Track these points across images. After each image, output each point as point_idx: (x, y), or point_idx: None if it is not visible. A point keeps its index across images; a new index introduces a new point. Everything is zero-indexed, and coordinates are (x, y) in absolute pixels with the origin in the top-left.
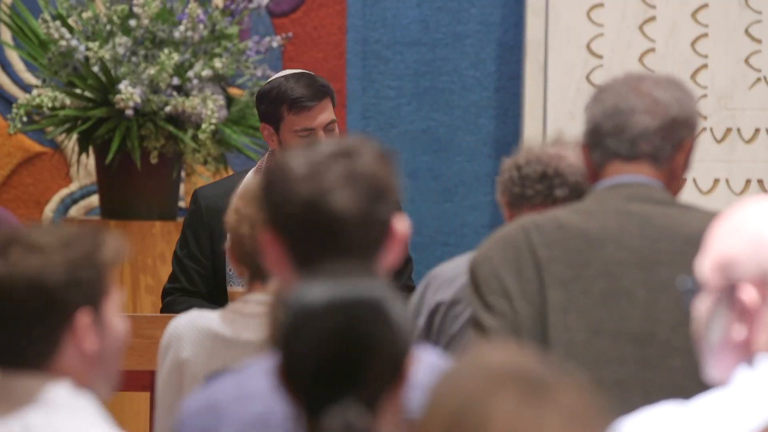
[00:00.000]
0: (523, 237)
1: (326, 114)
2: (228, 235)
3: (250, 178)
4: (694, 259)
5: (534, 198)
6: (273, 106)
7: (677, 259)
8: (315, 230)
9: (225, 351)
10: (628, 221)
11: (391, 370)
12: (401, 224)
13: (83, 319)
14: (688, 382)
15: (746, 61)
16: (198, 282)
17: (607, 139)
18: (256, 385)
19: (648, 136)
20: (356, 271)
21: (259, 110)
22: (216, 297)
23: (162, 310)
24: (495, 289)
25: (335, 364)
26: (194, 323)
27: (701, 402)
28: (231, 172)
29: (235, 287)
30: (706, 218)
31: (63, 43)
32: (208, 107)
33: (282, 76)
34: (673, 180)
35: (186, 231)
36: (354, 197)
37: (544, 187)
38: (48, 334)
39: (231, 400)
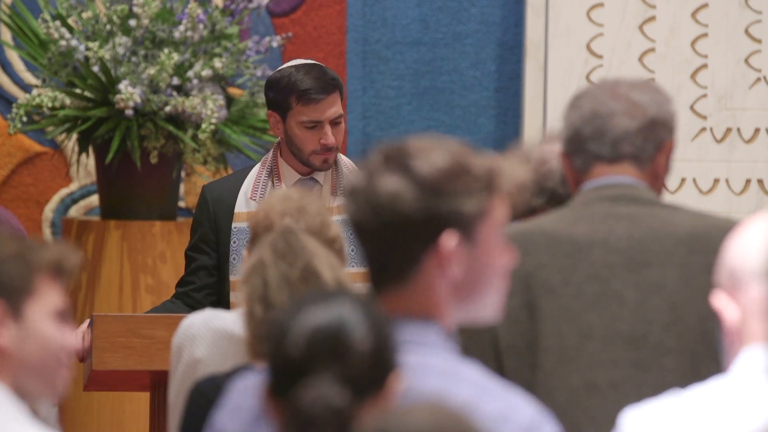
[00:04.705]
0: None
1: (334, 108)
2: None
3: (255, 174)
4: (683, 260)
5: None
6: (281, 95)
7: (667, 259)
8: None
9: (240, 351)
10: (615, 223)
11: (375, 363)
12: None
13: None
14: (682, 382)
15: (746, 61)
16: (201, 275)
17: (588, 144)
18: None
19: (629, 137)
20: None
21: (267, 97)
22: (221, 287)
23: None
24: None
25: (316, 346)
26: (209, 324)
27: (697, 392)
28: (231, 172)
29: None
30: (694, 218)
31: (63, 43)
32: (208, 107)
33: (293, 66)
34: (656, 181)
35: (193, 225)
36: None
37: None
38: None
39: None
